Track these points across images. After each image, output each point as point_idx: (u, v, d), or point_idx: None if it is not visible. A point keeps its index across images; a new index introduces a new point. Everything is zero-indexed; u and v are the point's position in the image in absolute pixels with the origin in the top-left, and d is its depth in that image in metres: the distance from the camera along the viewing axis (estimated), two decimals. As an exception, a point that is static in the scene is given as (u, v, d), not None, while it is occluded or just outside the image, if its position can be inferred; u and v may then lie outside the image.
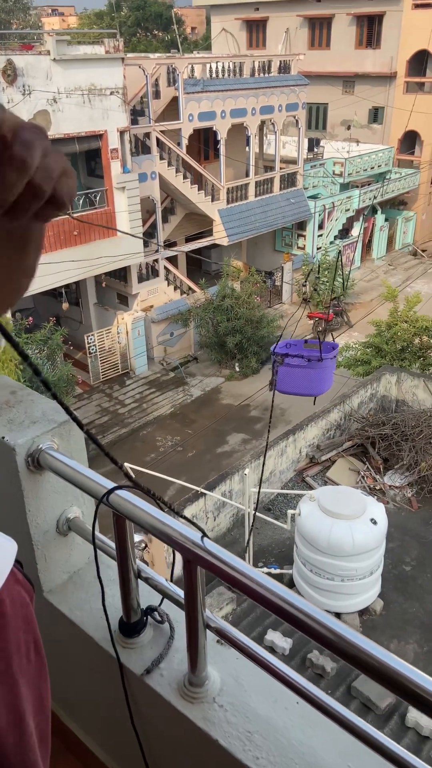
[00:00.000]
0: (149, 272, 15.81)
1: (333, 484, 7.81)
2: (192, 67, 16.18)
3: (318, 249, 19.53)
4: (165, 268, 16.18)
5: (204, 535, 1.00)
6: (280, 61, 18.44)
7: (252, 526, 6.61)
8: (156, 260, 15.86)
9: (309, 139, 22.56)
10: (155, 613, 1.21)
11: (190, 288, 16.57)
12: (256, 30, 26.29)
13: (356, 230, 21.21)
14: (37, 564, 1.28)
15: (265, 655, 1.04)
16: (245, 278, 16.59)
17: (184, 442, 13.79)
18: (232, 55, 19.07)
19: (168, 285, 16.29)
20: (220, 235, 16.85)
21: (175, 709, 1.07)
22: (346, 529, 5.73)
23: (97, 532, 1.18)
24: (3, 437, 1.18)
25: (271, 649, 5.47)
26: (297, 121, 18.91)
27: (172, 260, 16.96)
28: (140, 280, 15.54)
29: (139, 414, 14.66)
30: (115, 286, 15.79)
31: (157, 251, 15.78)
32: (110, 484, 1.08)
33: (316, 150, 23.05)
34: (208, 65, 16.71)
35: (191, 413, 14.86)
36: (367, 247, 22.20)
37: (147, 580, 1.18)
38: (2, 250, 0.55)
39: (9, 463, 1.18)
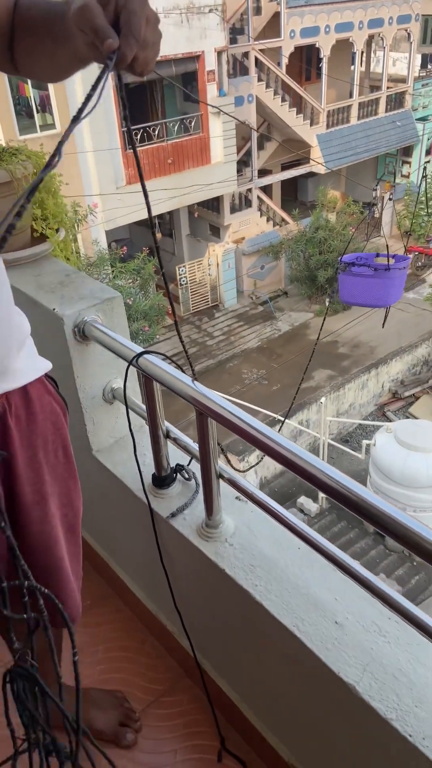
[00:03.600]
0: (242, 202, 15.57)
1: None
2: (296, -23, 15.14)
3: (424, 177, 18.24)
4: (258, 198, 15.85)
5: (195, 378, 1.12)
6: (394, -34, 16.80)
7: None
8: (249, 190, 15.55)
9: (422, 54, 20.67)
10: (183, 471, 1.37)
11: (283, 219, 16.19)
12: None
13: (468, 157, 19.53)
14: (86, 426, 1.47)
15: (273, 504, 1.17)
16: (341, 209, 15.94)
17: (269, 376, 13.91)
18: (341, -38, 17.55)
19: (261, 216, 15.99)
20: (317, 162, 16.16)
21: (193, 545, 1.23)
22: (422, 461, 5.69)
23: (130, 396, 1.34)
24: (54, 309, 1.34)
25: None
26: (409, 34, 17.35)
27: (266, 190, 16.55)
28: (232, 210, 15.36)
29: (226, 347, 14.88)
30: (207, 217, 15.74)
31: (250, 180, 15.46)
32: (141, 350, 1.22)
33: (430, 67, 21.13)
34: (313, -26, 15.55)
35: (278, 348, 14.87)
36: None
37: (175, 440, 1.33)
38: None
39: (59, 333, 1.35)
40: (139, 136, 12.95)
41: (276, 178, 16.63)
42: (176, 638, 1.48)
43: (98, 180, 12.33)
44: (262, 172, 16.15)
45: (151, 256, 13.85)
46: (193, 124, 13.72)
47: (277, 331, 15.35)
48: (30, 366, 0.95)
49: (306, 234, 15.06)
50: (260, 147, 15.86)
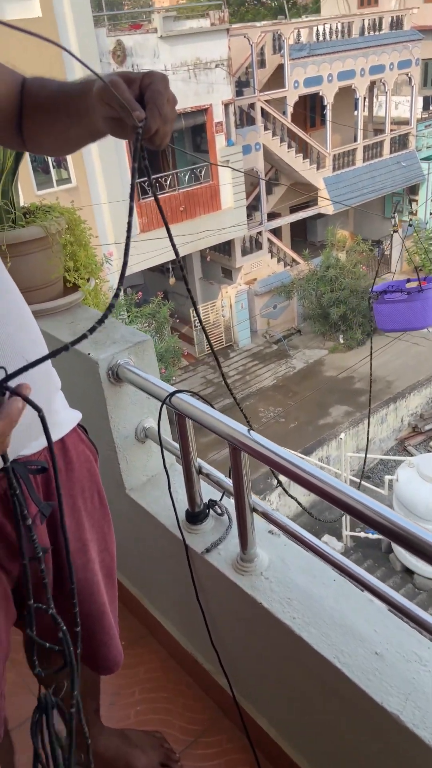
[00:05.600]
0: (253, 245, 15.90)
1: (437, 454, 7.60)
2: (298, 32, 15.82)
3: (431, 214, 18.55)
4: (268, 240, 16.19)
5: (251, 428, 1.16)
6: (392, 17, 17.50)
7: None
8: (259, 233, 15.90)
9: (424, 97, 21.29)
10: (216, 506, 1.40)
11: (293, 260, 16.48)
12: (367, -14, 24.99)
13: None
14: (120, 465, 1.51)
15: (308, 535, 1.20)
16: (351, 247, 16.19)
17: (286, 413, 13.91)
18: (340, 16, 18.36)
19: (271, 257, 16.30)
20: (325, 204, 16.53)
21: (229, 580, 1.26)
22: (446, 496, 5.62)
23: (164, 435, 1.38)
24: (89, 353, 1.40)
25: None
26: (410, 78, 17.93)
27: (276, 232, 16.91)
28: (244, 253, 15.69)
29: (242, 386, 14.96)
30: (219, 261, 16.07)
31: (260, 223, 15.82)
32: (173, 390, 1.27)
33: None
34: (315, 28, 16.26)
35: (293, 385, 14.91)
36: None
37: (207, 475, 1.37)
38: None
39: (94, 376, 1.41)
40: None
41: (285, 220, 17.01)
42: (213, 677, 1.48)
43: (113, 230, 12.71)
44: (272, 216, 16.53)
45: (165, 300, 14.13)
46: (203, 173, 14.17)
47: (291, 368, 15.43)
48: (66, 417, 0.98)
49: (317, 273, 15.28)
50: (269, 192, 16.28)
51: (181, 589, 1.46)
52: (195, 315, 15.25)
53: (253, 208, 15.70)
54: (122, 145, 12.39)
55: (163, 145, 0.79)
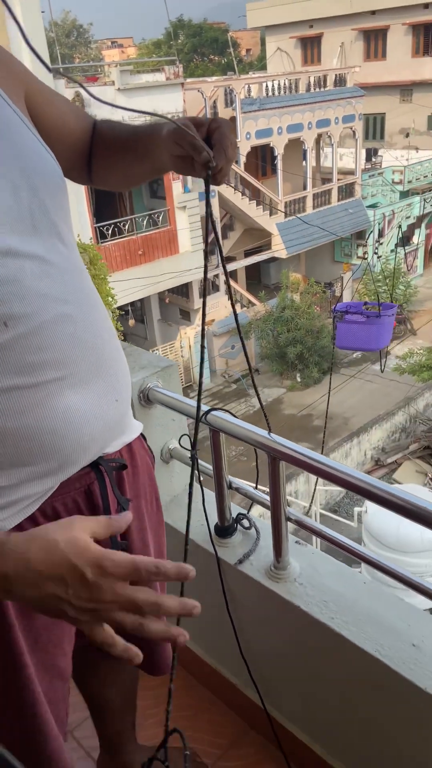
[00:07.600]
0: (210, 287, 16.26)
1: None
2: (249, 87, 16.68)
3: (378, 257, 19.45)
4: (225, 282, 16.60)
5: (270, 430, 1.26)
6: (336, 75, 18.70)
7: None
8: (216, 275, 16.30)
9: (367, 149, 22.59)
10: (244, 520, 1.47)
11: (249, 301, 16.91)
12: (310, 47, 26.69)
13: (418, 237, 20.99)
14: (146, 485, 1.57)
15: (344, 539, 1.28)
16: (305, 289, 16.77)
17: (247, 452, 14.01)
18: (287, 73, 19.48)
19: (228, 299, 16.67)
20: (278, 248, 17.15)
21: (265, 587, 1.32)
22: (415, 525, 5.76)
23: (185, 455, 1.46)
24: (120, 377, 1.48)
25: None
26: (354, 132, 19.06)
27: (232, 275, 17.37)
28: (201, 295, 16.01)
29: (202, 425, 14.98)
30: (177, 302, 16.34)
31: (217, 266, 16.22)
32: (208, 408, 1.36)
33: (374, 160, 23.04)
34: (264, 84, 17.18)
35: (253, 424, 15.06)
36: (430, 254, 21.90)
37: (237, 489, 1.44)
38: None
39: (125, 398, 1.47)
40: (110, 231, 13.62)
41: (241, 264, 17.51)
42: (241, 689, 1.52)
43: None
44: (228, 259, 17.00)
45: (124, 342, 14.21)
46: (161, 218, 14.53)
47: (251, 407, 15.63)
48: (135, 422, 1.06)
49: (273, 314, 15.72)
50: (224, 236, 16.79)
51: (206, 606, 1.51)
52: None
53: (209, 251, 16.11)
54: (80, 189, 12.62)
55: (222, 183, 0.90)
